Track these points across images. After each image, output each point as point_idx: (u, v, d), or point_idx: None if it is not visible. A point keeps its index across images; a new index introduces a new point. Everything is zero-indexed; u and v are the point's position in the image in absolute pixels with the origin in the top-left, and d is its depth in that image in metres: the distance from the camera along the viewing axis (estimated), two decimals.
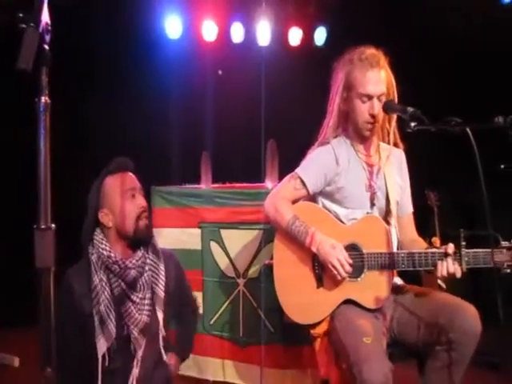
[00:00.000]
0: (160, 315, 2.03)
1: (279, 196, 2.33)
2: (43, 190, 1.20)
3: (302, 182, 2.30)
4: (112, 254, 1.98)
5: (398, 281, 2.36)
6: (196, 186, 3.42)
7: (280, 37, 5.06)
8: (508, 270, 2.04)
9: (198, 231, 3.32)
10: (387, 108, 2.20)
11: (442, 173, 5.04)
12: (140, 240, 2.05)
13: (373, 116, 2.23)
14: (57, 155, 1.33)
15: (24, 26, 1.20)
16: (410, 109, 2.01)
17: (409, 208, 2.43)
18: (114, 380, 1.95)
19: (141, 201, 2.06)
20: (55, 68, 1.31)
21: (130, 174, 2.10)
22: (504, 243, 2.07)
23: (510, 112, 1.83)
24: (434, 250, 2.14)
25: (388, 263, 2.17)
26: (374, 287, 2.19)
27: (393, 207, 2.31)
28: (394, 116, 2.32)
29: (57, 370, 1.22)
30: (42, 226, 1.21)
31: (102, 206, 2.04)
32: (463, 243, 2.07)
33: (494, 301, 1.87)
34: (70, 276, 2.02)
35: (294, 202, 2.35)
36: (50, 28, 1.27)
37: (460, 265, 2.08)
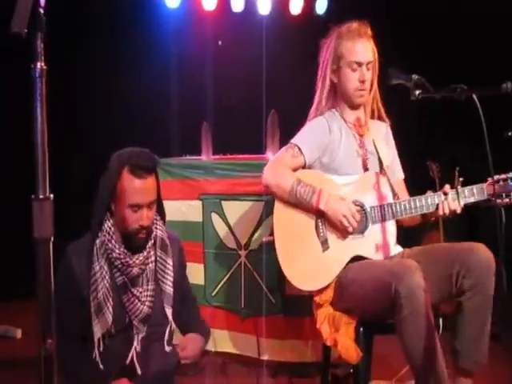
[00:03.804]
0: (169, 311, 2.01)
1: (278, 163, 2.37)
2: (41, 159, 1.17)
3: (299, 149, 2.35)
4: (116, 249, 1.92)
5: (399, 248, 2.38)
6: (196, 157, 3.40)
7: (280, 5, 4.96)
8: (499, 200, 2.13)
9: (198, 203, 3.31)
10: (391, 76, 2.19)
11: (444, 143, 5.01)
12: (133, 247, 1.96)
13: (363, 82, 2.33)
14: (54, 124, 1.30)
15: None
16: (415, 76, 2.00)
17: (400, 174, 2.53)
18: (112, 361, 1.94)
19: (144, 218, 1.92)
20: (51, 33, 1.27)
21: (153, 178, 1.96)
22: (495, 176, 2.15)
23: None
24: (433, 194, 2.25)
25: (391, 213, 2.25)
26: (380, 239, 2.26)
27: (386, 170, 2.40)
28: (376, 90, 2.42)
29: (57, 342, 1.21)
30: (41, 196, 1.19)
31: (114, 199, 1.93)
32: (461, 179, 2.20)
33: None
34: (69, 254, 1.97)
35: (293, 171, 2.36)
36: None
37: (459, 201, 2.19)
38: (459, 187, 2.20)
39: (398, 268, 2.02)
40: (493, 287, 2.08)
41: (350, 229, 2.22)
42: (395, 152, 2.54)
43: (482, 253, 2.09)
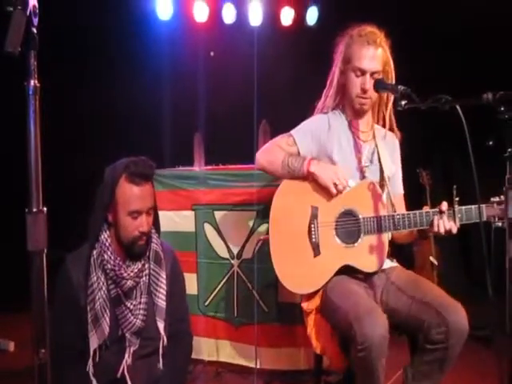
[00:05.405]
0: (161, 325, 2.01)
1: (272, 144, 2.40)
2: (34, 173, 1.20)
3: (294, 140, 2.36)
4: (111, 261, 1.93)
5: (392, 262, 2.39)
6: (189, 168, 3.43)
7: (272, 17, 5.02)
8: (499, 224, 2.09)
9: (191, 213, 3.34)
10: (378, 86, 2.23)
11: (435, 151, 5.06)
12: (134, 255, 1.98)
13: (364, 91, 2.29)
14: (47, 138, 1.33)
15: (11, 8, 1.19)
16: (401, 87, 2.02)
17: (400, 189, 2.49)
18: (104, 373, 1.94)
19: (144, 224, 1.95)
20: (44, 49, 1.30)
21: (150, 185, 1.99)
22: (493, 199, 2.12)
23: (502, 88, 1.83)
24: (428, 209, 2.19)
25: (384, 226, 2.22)
26: (371, 251, 2.24)
27: (386, 181, 2.37)
28: (390, 100, 2.36)
29: (51, 352, 1.23)
30: (34, 210, 1.21)
31: (111, 209, 1.95)
32: (456, 199, 2.12)
33: (484, 275, 1.90)
34: (68, 263, 1.98)
35: None
36: (37, 11, 1.25)
37: (455, 221, 2.13)
38: (456, 206, 2.13)
39: (366, 315, 1.96)
40: (458, 352, 2.06)
41: (341, 187, 2.22)
42: (399, 165, 2.49)
43: (462, 319, 2.04)
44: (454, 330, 2.02)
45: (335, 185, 2.23)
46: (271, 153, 2.36)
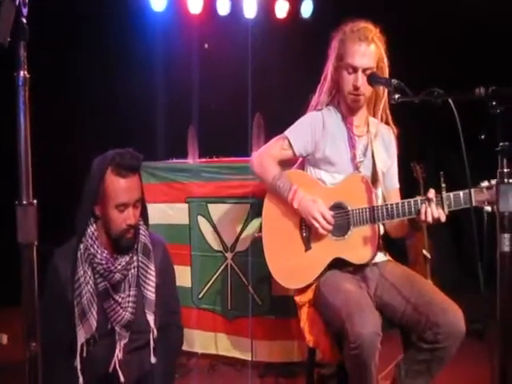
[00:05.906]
0: (150, 317, 2.00)
1: (266, 153, 2.40)
2: (24, 165, 1.20)
3: (289, 142, 2.36)
4: (98, 255, 1.92)
5: (385, 256, 2.39)
6: (183, 160, 3.42)
7: (266, 9, 5.00)
8: (489, 208, 2.04)
9: (185, 206, 3.34)
10: (371, 80, 2.22)
11: (428, 145, 5.06)
12: (121, 249, 1.97)
13: (356, 88, 2.26)
14: (37, 130, 1.32)
15: None
16: (394, 81, 2.01)
17: (395, 183, 2.48)
18: (96, 368, 1.94)
19: (131, 217, 1.93)
20: (35, 39, 1.29)
21: (137, 177, 1.96)
22: (483, 183, 2.09)
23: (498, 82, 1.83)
24: (416, 198, 2.16)
25: (373, 217, 2.21)
26: (361, 243, 2.23)
27: (380, 177, 2.36)
28: (384, 95, 2.34)
29: (41, 347, 1.22)
30: (24, 202, 1.21)
31: (98, 202, 1.93)
32: (443, 185, 2.09)
33: (476, 267, 1.90)
34: (56, 258, 1.98)
35: (281, 162, 2.39)
36: (27, 1, 1.24)
37: (443, 208, 2.10)
38: (444, 193, 2.10)
39: (358, 312, 1.96)
40: (454, 352, 2.06)
41: (321, 230, 2.22)
42: (395, 160, 2.46)
43: (459, 321, 2.03)
44: (450, 332, 2.02)
45: (317, 221, 2.22)
46: (264, 166, 2.36)
